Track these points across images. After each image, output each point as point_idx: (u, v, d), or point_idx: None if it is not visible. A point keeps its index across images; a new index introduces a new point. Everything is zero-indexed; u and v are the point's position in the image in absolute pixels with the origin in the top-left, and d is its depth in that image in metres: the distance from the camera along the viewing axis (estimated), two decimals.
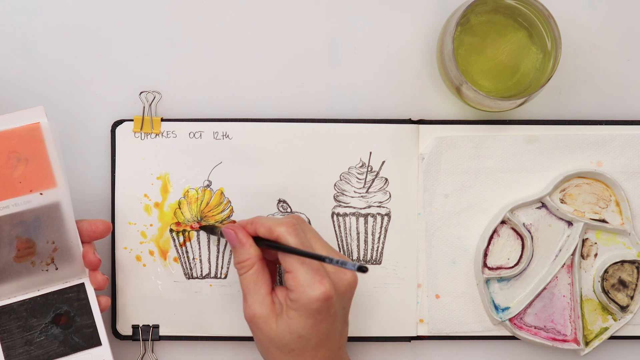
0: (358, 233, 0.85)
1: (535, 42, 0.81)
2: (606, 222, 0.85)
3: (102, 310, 0.78)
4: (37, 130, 0.74)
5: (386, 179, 0.85)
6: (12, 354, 0.75)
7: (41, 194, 0.74)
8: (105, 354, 0.77)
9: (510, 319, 0.84)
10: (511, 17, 0.81)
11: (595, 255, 0.85)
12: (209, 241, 0.84)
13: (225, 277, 0.85)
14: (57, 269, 0.76)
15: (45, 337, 0.76)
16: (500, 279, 0.85)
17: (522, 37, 0.81)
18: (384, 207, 0.85)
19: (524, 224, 0.85)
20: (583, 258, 0.85)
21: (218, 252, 0.84)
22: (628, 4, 0.87)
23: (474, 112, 0.86)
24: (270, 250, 0.77)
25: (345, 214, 0.85)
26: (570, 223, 0.85)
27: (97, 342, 0.77)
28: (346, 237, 0.85)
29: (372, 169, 0.85)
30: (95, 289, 0.78)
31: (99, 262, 0.77)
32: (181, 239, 0.84)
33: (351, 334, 0.84)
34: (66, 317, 0.77)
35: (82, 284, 0.77)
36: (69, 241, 0.76)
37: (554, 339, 0.85)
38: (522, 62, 0.82)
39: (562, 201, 0.85)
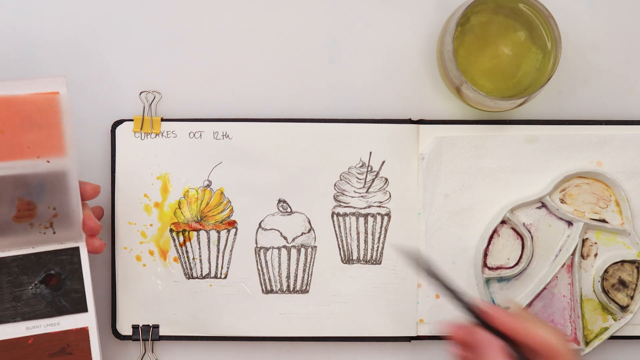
0: (358, 233, 0.85)
1: (535, 42, 0.81)
2: (606, 222, 0.85)
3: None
4: (55, 99, 0.73)
5: (386, 179, 0.85)
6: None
7: (48, 161, 0.74)
8: (90, 321, 0.76)
9: None
10: (511, 17, 0.81)
11: (595, 255, 0.85)
12: (209, 241, 0.84)
13: (225, 277, 0.85)
14: (54, 233, 0.76)
15: (34, 296, 0.76)
16: (500, 279, 0.85)
17: (522, 37, 0.81)
18: (384, 207, 0.85)
19: (524, 224, 0.85)
20: (583, 258, 0.85)
21: (218, 252, 0.84)
22: (628, 4, 0.87)
23: (474, 112, 0.86)
24: None
25: (345, 214, 0.85)
26: (570, 223, 0.85)
27: (83, 308, 0.76)
28: (346, 237, 0.85)
29: (372, 169, 0.85)
30: (91, 253, 0.77)
31: (99, 228, 0.77)
32: (181, 239, 0.84)
33: (351, 334, 0.85)
34: (57, 278, 0.76)
35: (77, 248, 0.77)
36: (70, 209, 0.75)
37: None
38: (522, 62, 0.82)
39: (562, 201, 0.85)
